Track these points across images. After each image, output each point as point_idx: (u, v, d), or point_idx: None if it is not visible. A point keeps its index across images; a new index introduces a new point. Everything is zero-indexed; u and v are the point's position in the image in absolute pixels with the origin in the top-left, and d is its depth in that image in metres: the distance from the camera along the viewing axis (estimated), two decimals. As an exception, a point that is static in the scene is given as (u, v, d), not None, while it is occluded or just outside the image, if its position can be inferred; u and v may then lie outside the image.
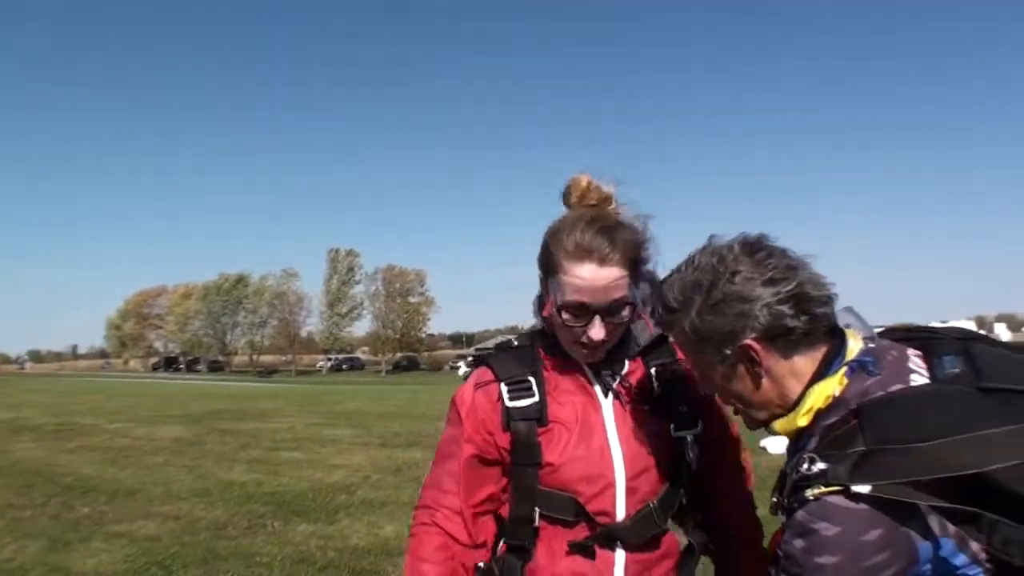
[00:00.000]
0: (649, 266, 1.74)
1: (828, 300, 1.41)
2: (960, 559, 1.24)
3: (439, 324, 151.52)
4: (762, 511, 1.81)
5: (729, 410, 1.78)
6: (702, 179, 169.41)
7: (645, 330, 1.81)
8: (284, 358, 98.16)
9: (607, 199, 1.78)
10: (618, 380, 1.80)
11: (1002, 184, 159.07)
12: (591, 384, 1.80)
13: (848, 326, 1.46)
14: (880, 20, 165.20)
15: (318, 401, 28.15)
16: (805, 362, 1.41)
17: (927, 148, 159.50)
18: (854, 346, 1.41)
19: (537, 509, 1.76)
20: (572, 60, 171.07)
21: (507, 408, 1.76)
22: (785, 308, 1.37)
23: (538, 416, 1.75)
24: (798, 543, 1.27)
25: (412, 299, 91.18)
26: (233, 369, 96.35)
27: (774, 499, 1.39)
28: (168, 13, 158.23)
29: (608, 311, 1.67)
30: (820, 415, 1.38)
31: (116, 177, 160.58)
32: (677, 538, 1.88)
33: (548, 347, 1.81)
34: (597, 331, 1.68)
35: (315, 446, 13.83)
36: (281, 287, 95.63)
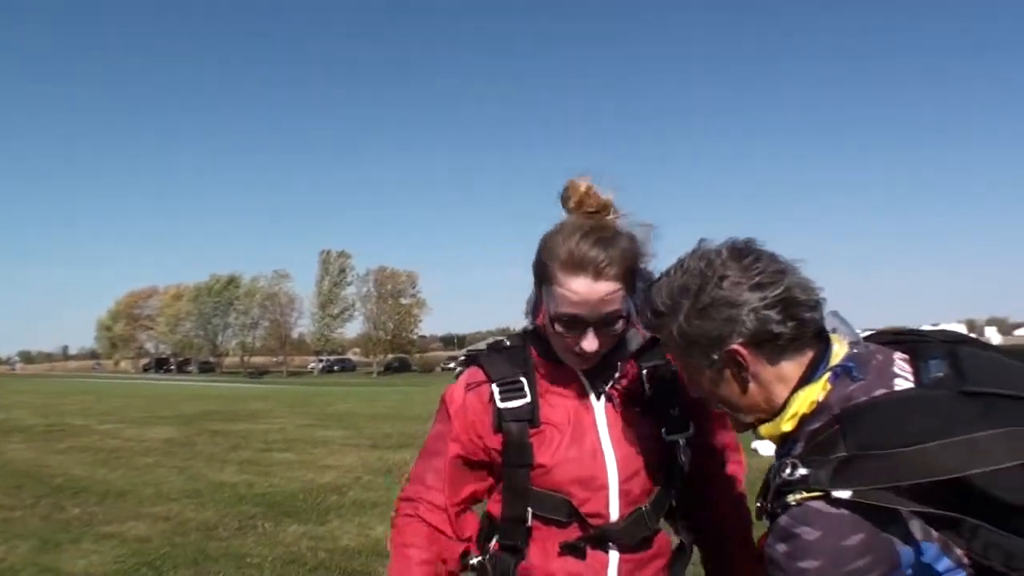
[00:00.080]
0: (647, 269, 1.72)
1: (816, 305, 1.42)
2: (944, 563, 1.25)
3: (431, 326, 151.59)
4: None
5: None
6: (696, 178, 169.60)
7: (637, 335, 1.80)
8: (275, 359, 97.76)
9: (606, 207, 1.75)
10: (611, 383, 1.80)
11: (994, 187, 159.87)
12: (583, 386, 1.80)
13: (834, 330, 1.47)
14: (868, 20, 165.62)
15: (309, 402, 28.04)
16: (792, 367, 1.42)
17: (919, 150, 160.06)
18: (839, 351, 1.42)
19: (530, 509, 1.76)
20: (567, 60, 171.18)
21: (499, 409, 1.76)
22: (772, 313, 1.38)
23: (530, 417, 1.75)
24: (781, 547, 1.28)
25: (404, 301, 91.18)
26: (224, 370, 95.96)
27: (758, 504, 1.41)
28: (162, 13, 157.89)
29: (601, 323, 1.67)
30: (805, 421, 1.39)
31: (108, 178, 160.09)
32: (668, 537, 1.89)
33: (540, 348, 1.81)
34: (590, 343, 1.68)
35: (306, 447, 13.80)
36: (272, 288, 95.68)
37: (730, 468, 2.00)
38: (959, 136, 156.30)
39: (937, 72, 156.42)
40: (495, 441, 1.77)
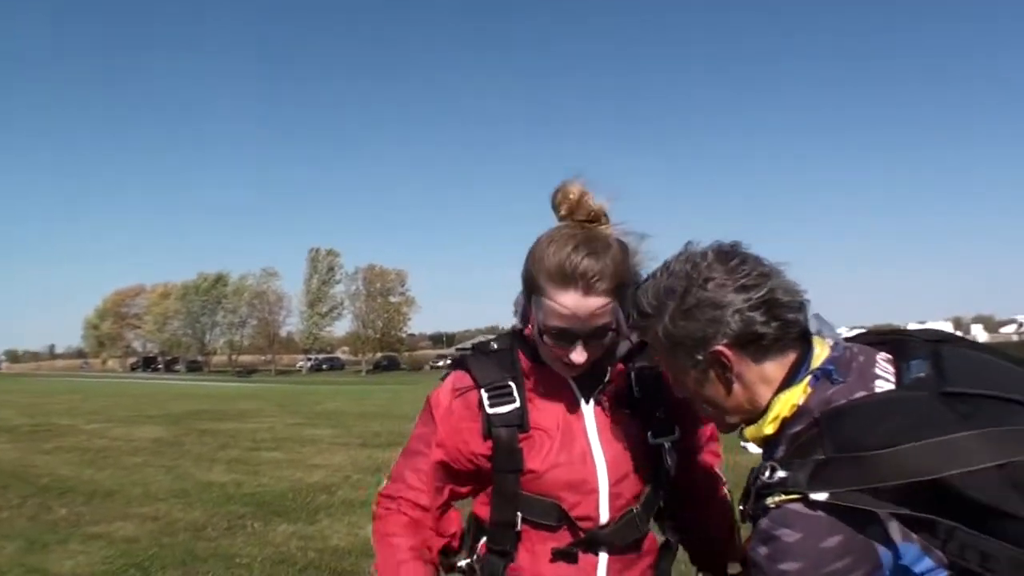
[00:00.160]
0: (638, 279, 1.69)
1: (799, 306, 1.44)
2: (925, 564, 1.25)
3: (420, 324, 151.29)
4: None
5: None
6: (685, 177, 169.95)
7: (625, 342, 1.79)
8: (264, 358, 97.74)
9: (598, 216, 1.72)
10: (600, 388, 1.79)
11: (982, 186, 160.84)
12: (572, 391, 1.79)
13: (818, 332, 1.48)
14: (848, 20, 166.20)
15: (298, 401, 28.05)
16: (775, 368, 1.44)
17: (908, 151, 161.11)
18: (819, 353, 1.44)
19: (520, 514, 1.75)
20: (558, 58, 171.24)
21: (488, 415, 1.74)
22: (756, 315, 1.39)
23: (519, 423, 1.73)
24: (762, 550, 1.30)
25: (393, 299, 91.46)
26: (212, 369, 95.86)
27: (740, 507, 1.42)
28: (149, 8, 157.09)
29: (591, 336, 1.65)
30: (786, 424, 1.40)
31: (95, 175, 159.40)
32: (655, 536, 1.90)
33: (529, 352, 1.79)
34: (579, 355, 1.67)
35: (295, 446, 13.79)
36: (261, 287, 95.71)
37: (713, 471, 2.01)
38: (947, 136, 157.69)
39: (931, 71, 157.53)
40: (484, 447, 1.75)
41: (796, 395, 1.39)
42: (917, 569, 1.25)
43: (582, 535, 1.74)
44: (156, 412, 22.16)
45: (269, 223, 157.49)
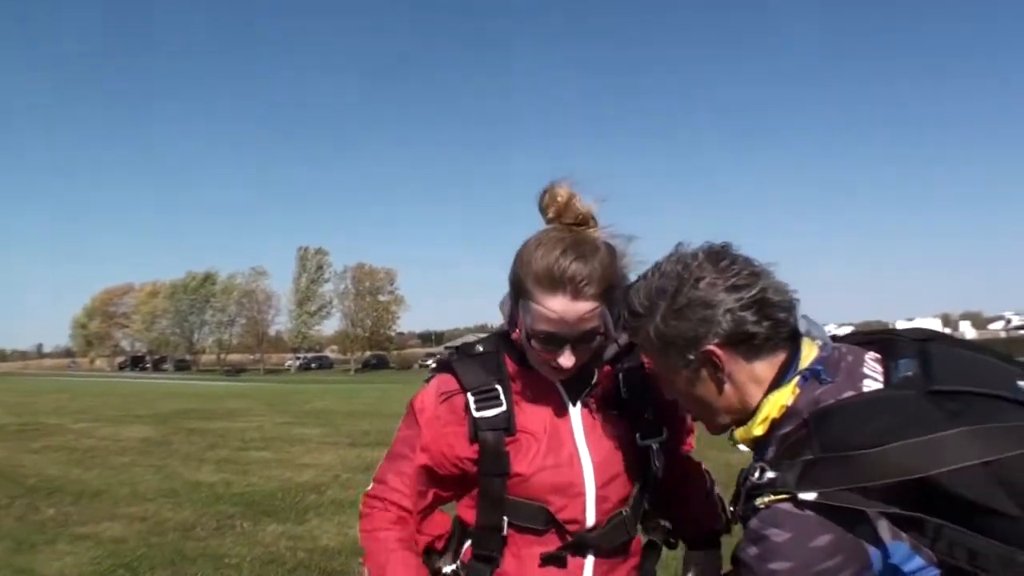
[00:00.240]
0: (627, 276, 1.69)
1: (790, 306, 1.45)
2: (916, 562, 1.26)
3: (409, 322, 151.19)
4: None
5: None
6: (671, 177, 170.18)
7: (613, 344, 1.78)
8: (252, 357, 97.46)
9: (586, 219, 1.71)
10: (587, 390, 1.79)
11: (969, 183, 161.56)
12: (560, 393, 1.78)
13: (807, 333, 1.49)
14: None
15: (287, 400, 27.95)
16: (766, 368, 1.45)
17: (896, 148, 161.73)
18: (808, 354, 1.45)
19: (506, 518, 1.74)
20: (544, 58, 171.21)
21: (474, 419, 1.73)
22: (748, 314, 1.41)
23: (506, 426, 1.72)
24: (752, 550, 1.31)
25: (382, 298, 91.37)
26: (200, 368, 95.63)
27: (731, 508, 1.44)
28: (135, 6, 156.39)
29: (579, 340, 1.65)
30: (775, 425, 1.41)
31: (82, 173, 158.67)
32: (640, 537, 1.91)
33: (515, 354, 1.78)
34: (566, 359, 1.66)
35: (284, 445, 13.74)
36: (250, 285, 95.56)
37: (699, 470, 2.03)
38: (936, 135, 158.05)
39: (926, 69, 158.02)
40: (470, 451, 1.74)
41: (785, 396, 1.41)
42: (907, 568, 1.26)
43: (570, 539, 1.74)
44: (144, 411, 22.06)
45: (258, 222, 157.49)
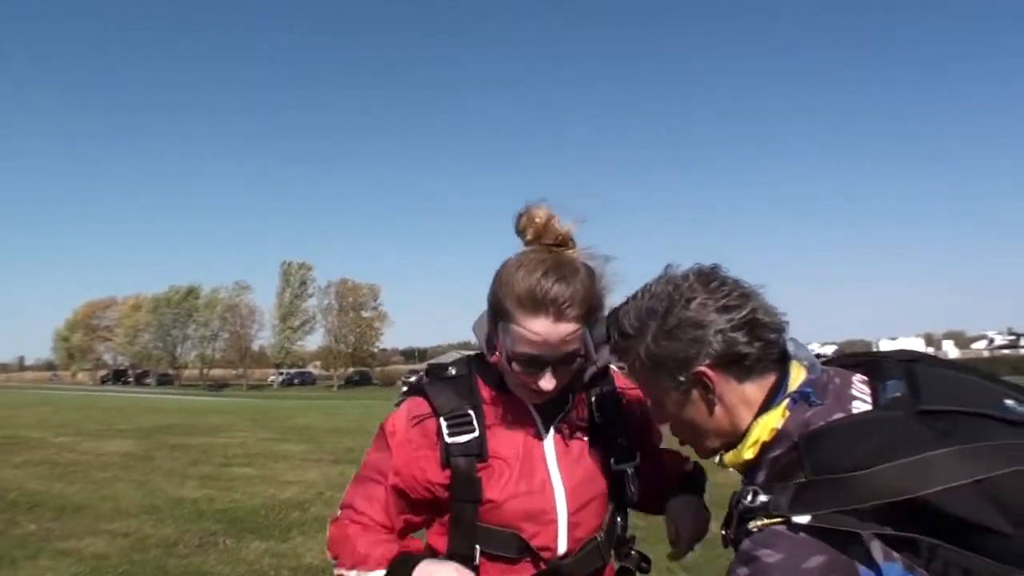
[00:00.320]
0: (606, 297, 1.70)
1: (779, 328, 1.47)
2: None
3: (392, 339, 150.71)
4: (715, 527, 1.85)
5: (667, 437, 1.81)
6: (656, 192, 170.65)
7: (591, 367, 1.78)
8: (235, 372, 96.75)
9: (565, 240, 1.70)
10: (561, 415, 1.78)
11: (952, 201, 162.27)
12: (533, 418, 1.77)
13: (795, 355, 1.50)
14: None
15: (270, 416, 27.75)
16: (756, 390, 1.46)
17: (879, 165, 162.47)
18: (796, 376, 1.46)
19: (478, 547, 1.72)
20: (527, 70, 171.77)
21: (447, 444, 1.71)
22: (739, 335, 1.42)
23: (478, 452, 1.71)
24: (743, 571, 1.30)
25: (365, 313, 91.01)
26: (183, 383, 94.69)
27: (723, 533, 1.43)
28: (123, 15, 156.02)
29: (561, 362, 1.64)
30: (766, 448, 1.42)
31: (65, 184, 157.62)
32: (612, 564, 1.90)
33: (488, 377, 1.78)
34: (547, 382, 1.66)
35: (267, 462, 13.64)
36: (233, 300, 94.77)
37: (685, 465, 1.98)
38: (920, 152, 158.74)
39: (921, 77, 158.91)
40: (442, 476, 1.72)
41: (775, 419, 1.41)
42: None
43: (543, 566, 1.73)
44: (126, 426, 21.85)
45: (242, 236, 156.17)
